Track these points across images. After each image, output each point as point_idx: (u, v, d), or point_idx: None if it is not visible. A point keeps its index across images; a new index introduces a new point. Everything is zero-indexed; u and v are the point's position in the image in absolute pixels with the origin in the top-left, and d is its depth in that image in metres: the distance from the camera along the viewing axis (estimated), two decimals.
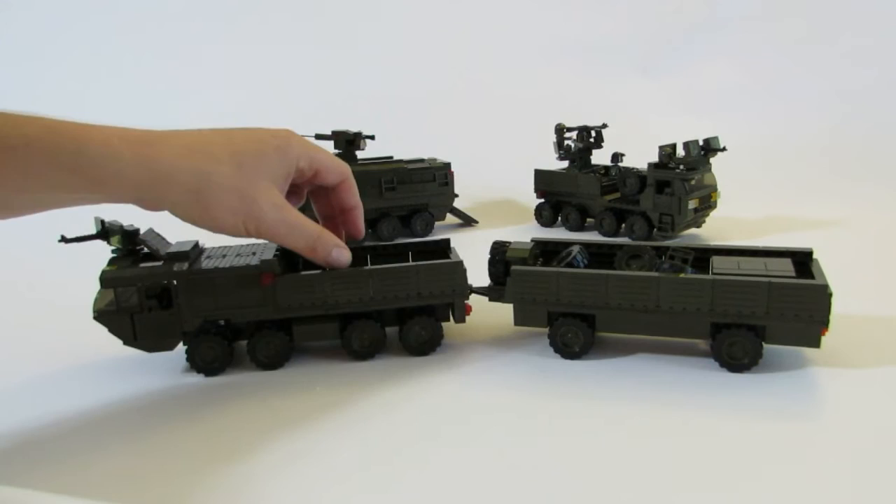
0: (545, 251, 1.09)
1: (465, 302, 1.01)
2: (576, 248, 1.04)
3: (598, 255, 1.07)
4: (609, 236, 1.65)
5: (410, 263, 1.01)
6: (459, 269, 1.00)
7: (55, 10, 2.59)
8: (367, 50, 2.71)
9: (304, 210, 0.95)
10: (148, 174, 0.68)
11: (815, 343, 0.89)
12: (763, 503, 0.65)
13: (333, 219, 0.99)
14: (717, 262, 0.96)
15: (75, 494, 0.72)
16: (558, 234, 1.73)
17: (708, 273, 0.94)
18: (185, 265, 0.96)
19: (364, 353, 1.01)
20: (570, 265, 1.02)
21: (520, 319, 1.02)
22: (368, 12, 2.77)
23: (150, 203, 0.73)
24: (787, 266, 0.94)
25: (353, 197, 0.94)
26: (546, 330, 1.00)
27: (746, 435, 0.77)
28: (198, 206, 0.73)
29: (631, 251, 1.03)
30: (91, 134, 0.66)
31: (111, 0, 2.64)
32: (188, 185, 0.71)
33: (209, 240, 1.09)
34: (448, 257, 1.04)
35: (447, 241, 1.10)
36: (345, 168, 0.93)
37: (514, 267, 1.00)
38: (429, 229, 1.77)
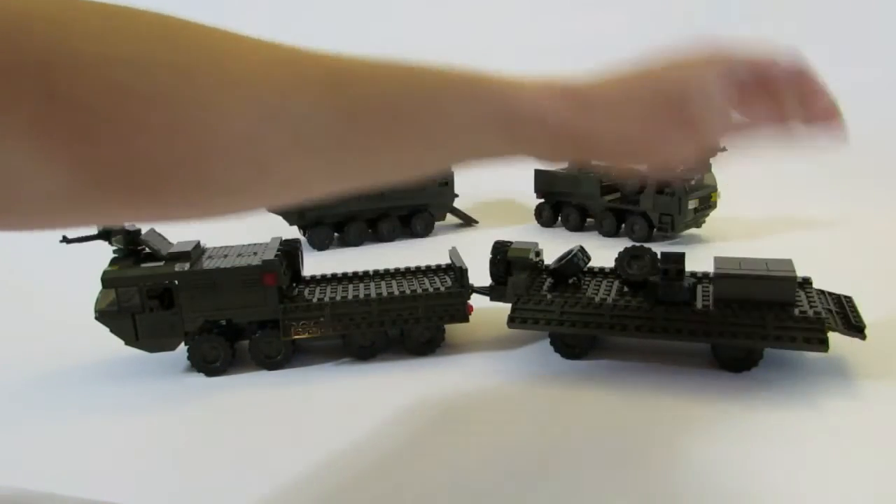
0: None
1: (467, 302, 1.02)
2: (576, 248, 1.04)
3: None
4: (609, 236, 1.65)
5: None
6: None
7: None
8: (366, 50, 2.71)
9: None
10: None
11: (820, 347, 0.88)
12: (764, 500, 0.66)
13: None
14: (719, 262, 0.96)
15: (75, 494, 0.72)
16: (558, 234, 1.73)
17: (708, 273, 0.93)
18: (187, 265, 0.96)
19: (365, 353, 1.01)
20: (571, 264, 1.02)
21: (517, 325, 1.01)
22: (368, 12, 2.77)
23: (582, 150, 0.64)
24: (788, 266, 0.93)
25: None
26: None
27: (747, 434, 0.77)
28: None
29: (632, 252, 1.03)
30: (515, 86, 0.61)
31: None
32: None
33: (210, 240, 1.09)
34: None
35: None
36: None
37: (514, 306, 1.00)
38: (429, 229, 1.77)
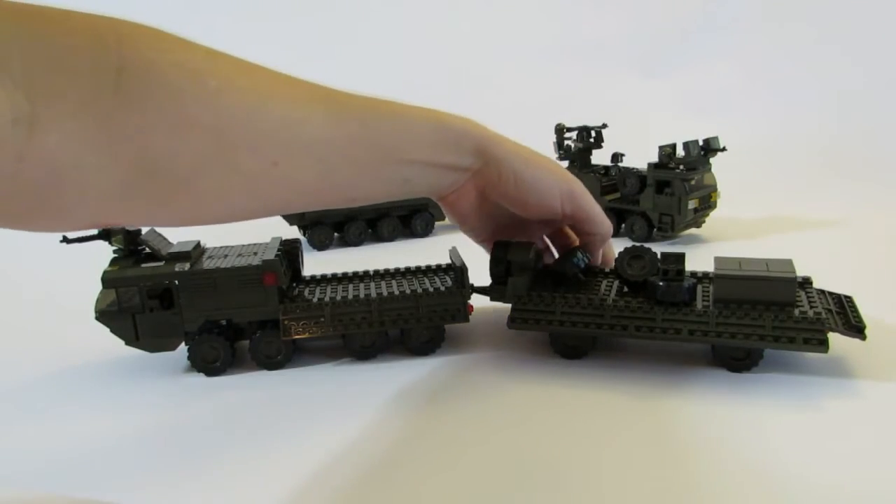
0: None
1: (467, 302, 1.02)
2: (576, 248, 1.04)
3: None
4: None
5: None
6: None
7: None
8: (367, 50, 2.71)
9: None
10: (490, 147, 0.89)
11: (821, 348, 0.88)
12: (764, 500, 0.66)
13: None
14: (719, 262, 0.96)
15: (75, 494, 0.72)
16: None
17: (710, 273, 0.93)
18: (187, 265, 0.96)
19: (365, 353, 1.01)
20: (571, 264, 1.02)
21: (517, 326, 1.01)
22: (369, 12, 2.77)
23: (485, 176, 0.90)
24: (788, 266, 0.93)
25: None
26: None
27: (747, 434, 0.77)
28: (527, 172, 0.89)
29: (632, 252, 1.03)
30: (446, 116, 0.86)
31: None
32: (520, 155, 0.89)
33: (210, 240, 1.09)
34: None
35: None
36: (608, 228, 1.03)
37: (513, 308, 1.00)
38: (429, 229, 1.77)
